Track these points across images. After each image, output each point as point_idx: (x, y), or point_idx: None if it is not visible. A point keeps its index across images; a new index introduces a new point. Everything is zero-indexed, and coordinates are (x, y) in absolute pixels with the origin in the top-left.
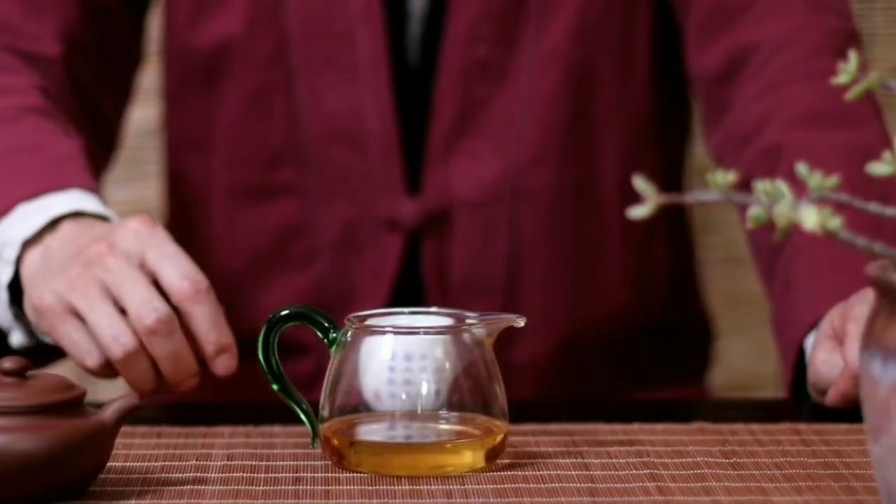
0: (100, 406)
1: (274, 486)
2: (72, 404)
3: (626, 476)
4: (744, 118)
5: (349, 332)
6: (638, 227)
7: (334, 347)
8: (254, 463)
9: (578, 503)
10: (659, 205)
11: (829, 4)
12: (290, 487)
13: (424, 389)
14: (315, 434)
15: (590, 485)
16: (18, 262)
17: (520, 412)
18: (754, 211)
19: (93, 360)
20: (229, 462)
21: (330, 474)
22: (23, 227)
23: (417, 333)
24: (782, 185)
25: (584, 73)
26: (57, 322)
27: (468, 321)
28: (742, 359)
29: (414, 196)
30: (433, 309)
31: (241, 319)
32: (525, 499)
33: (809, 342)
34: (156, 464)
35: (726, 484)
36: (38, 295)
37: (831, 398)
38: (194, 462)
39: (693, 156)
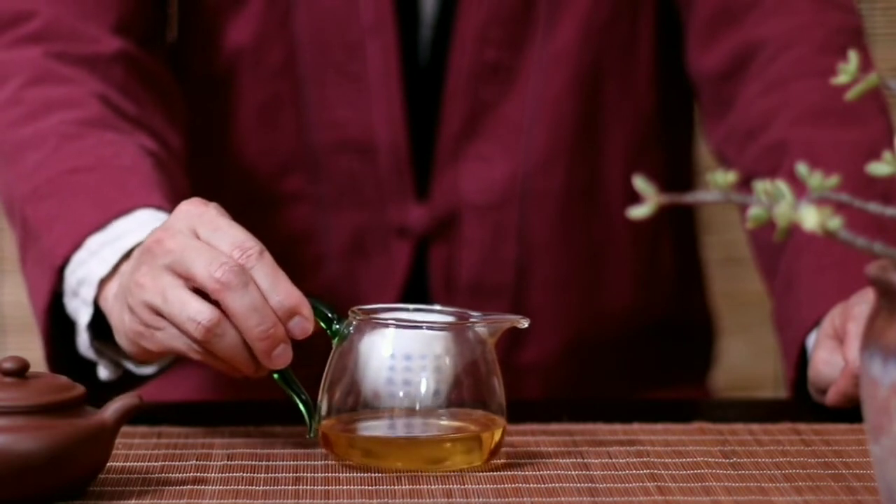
0: (100, 406)
1: (274, 486)
2: (72, 404)
3: (626, 476)
4: (748, 115)
5: (352, 324)
6: (644, 227)
7: (336, 339)
8: (254, 463)
9: (578, 503)
10: (659, 205)
11: (835, 1)
12: (290, 487)
13: (424, 387)
14: (312, 425)
15: (590, 485)
16: (96, 299)
17: (520, 412)
18: (754, 211)
19: (195, 352)
20: (229, 462)
21: (330, 474)
22: (98, 266)
23: (420, 328)
24: (782, 185)
25: (591, 75)
26: (148, 334)
27: (471, 319)
28: (742, 359)
29: (423, 201)
30: (437, 307)
31: None
32: (525, 499)
33: (811, 340)
34: (156, 464)
35: (726, 484)
36: (120, 319)
37: (831, 398)
38: (194, 462)
39: (699, 156)
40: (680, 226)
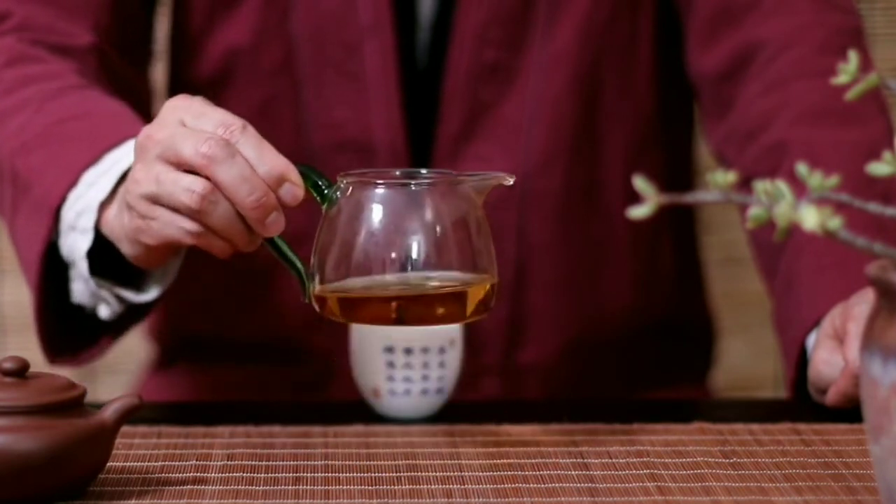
0: (100, 406)
1: (274, 486)
2: (72, 404)
3: (626, 476)
4: (749, 115)
5: (340, 189)
6: (644, 227)
7: (325, 205)
8: (254, 463)
9: (578, 503)
10: (659, 205)
11: (834, 2)
12: (290, 487)
13: (414, 245)
14: (307, 290)
15: (590, 485)
16: (97, 225)
17: (520, 412)
18: (754, 211)
19: (188, 225)
20: (229, 462)
21: (330, 474)
22: (97, 193)
23: (408, 186)
24: (782, 185)
25: (590, 75)
26: (145, 226)
27: (458, 177)
28: (742, 359)
29: None
30: (424, 171)
31: (251, 324)
32: (525, 499)
33: (811, 340)
34: (156, 464)
35: (726, 484)
36: (121, 224)
37: (831, 398)
38: (194, 462)
39: (699, 156)
40: (680, 226)
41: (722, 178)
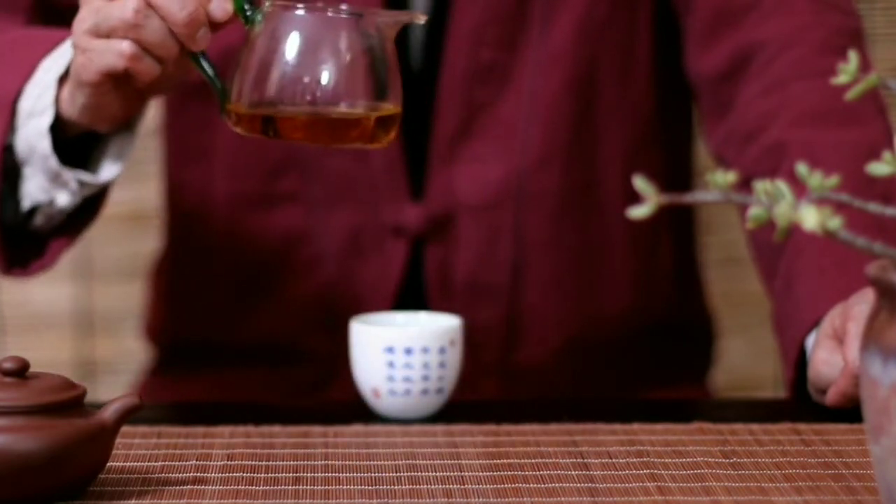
0: (100, 406)
1: (274, 486)
2: (72, 404)
3: (625, 476)
4: (748, 116)
5: (263, 12)
6: (642, 228)
7: (249, 25)
8: (254, 463)
9: (578, 503)
10: (658, 205)
11: (834, 2)
12: (290, 487)
13: (325, 73)
14: (224, 105)
15: (590, 485)
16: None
17: (519, 412)
18: (754, 211)
19: (123, 45)
20: (229, 462)
21: (330, 474)
22: (55, 71)
23: (324, 13)
24: (782, 185)
25: (587, 75)
26: (87, 61)
27: (371, 10)
28: (742, 359)
29: (418, 201)
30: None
31: (247, 327)
32: (525, 499)
33: (811, 341)
34: (156, 464)
35: (726, 484)
36: (72, 73)
37: (831, 398)
38: (194, 462)
39: (698, 156)
40: (678, 226)
41: (722, 178)
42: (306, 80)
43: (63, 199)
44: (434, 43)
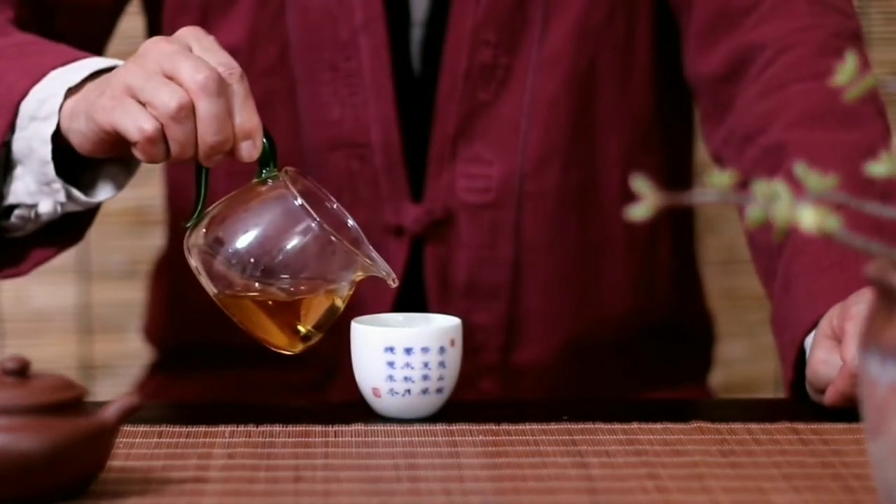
0: (100, 406)
1: (274, 485)
2: (72, 404)
3: (625, 475)
4: (747, 117)
5: (272, 177)
6: (642, 228)
7: (255, 179)
8: (254, 463)
9: (577, 502)
10: (657, 205)
11: (832, 4)
12: (290, 487)
13: (281, 268)
14: (192, 221)
15: (589, 484)
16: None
17: (520, 412)
18: (753, 211)
19: (149, 124)
20: (229, 462)
21: (330, 473)
22: (64, 81)
23: (308, 215)
24: (780, 186)
25: (586, 76)
26: (109, 104)
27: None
28: (742, 359)
29: (418, 201)
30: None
31: None
32: (524, 498)
33: (809, 341)
34: (156, 463)
35: (725, 483)
36: (86, 100)
37: (829, 397)
38: (194, 462)
39: (698, 156)
40: (678, 227)
41: (721, 178)
42: (261, 263)
43: (45, 207)
44: (434, 43)
